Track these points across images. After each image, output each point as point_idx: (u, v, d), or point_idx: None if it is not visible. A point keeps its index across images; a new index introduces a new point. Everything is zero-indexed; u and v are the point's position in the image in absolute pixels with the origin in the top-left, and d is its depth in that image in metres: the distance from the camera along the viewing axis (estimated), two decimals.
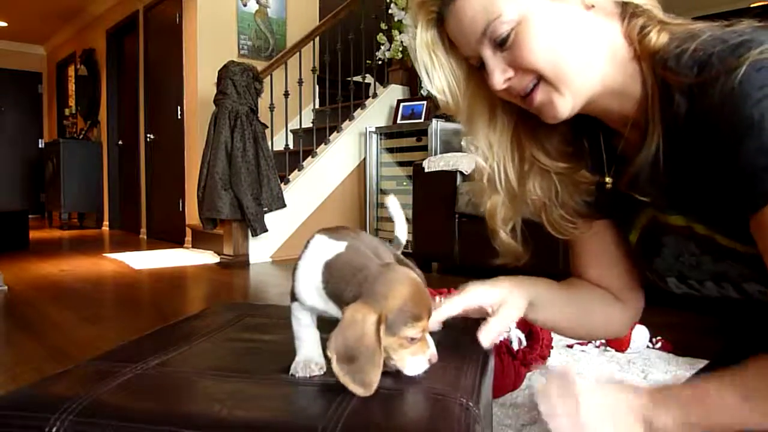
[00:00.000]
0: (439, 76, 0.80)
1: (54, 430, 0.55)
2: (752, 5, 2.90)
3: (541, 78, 0.73)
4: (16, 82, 8.78)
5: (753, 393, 0.60)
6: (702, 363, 1.15)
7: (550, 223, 0.88)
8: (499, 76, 0.74)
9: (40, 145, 8.73)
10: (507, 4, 0.71)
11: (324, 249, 0.67)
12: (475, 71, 0.80)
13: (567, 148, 0.86)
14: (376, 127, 4.43)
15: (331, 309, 0.66)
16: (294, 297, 0.70)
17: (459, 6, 0.75)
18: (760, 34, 0.62)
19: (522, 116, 0.83)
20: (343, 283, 0.64)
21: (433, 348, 0.66)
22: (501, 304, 0.82)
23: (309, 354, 0.69)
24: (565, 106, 0.74)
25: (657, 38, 0.72)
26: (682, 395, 0.64)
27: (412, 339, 0.63)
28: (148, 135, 5.89)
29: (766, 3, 2.85)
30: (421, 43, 0.79)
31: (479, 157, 0.85)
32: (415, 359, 0.64)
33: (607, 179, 0.84)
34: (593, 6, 0.73)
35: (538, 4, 0.72)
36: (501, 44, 0.73)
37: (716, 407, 0.61)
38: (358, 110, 4.66)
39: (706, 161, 0.64)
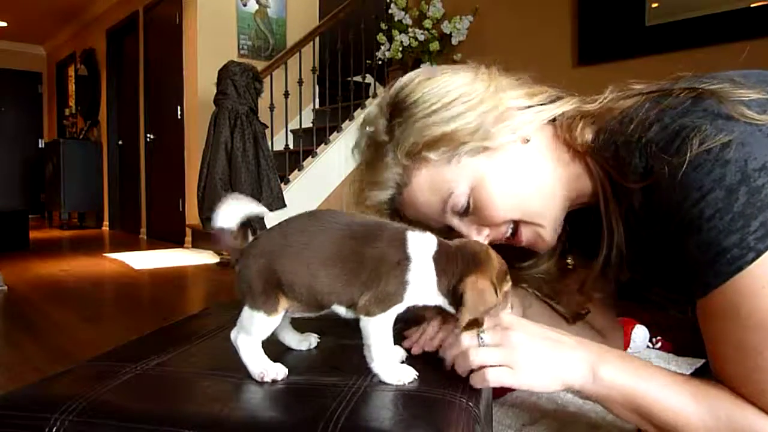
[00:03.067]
0: None
1: (54, 430, 0.55)
2: (752, 5, 2.90)
3: (517, 222, 0.76)
4: (16, 82, 8.77)
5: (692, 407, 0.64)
6: (701, 363, 1.15)
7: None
8: (479, 238, 0.76)
9: (40, 145, 8.73)
10: (454, 178, 0.74)
11: (426, 245, 0.65)
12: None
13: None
14: None
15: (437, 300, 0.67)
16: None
17: (409, 195, 0.77)
18: (692, 115, 0.63)
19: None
20: (450, 274, 0.65)
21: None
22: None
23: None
24: (550, 234, 0.77)
25: (583, 135, 0.74)
26: (631, 367, 0.67)
27: (506, 293, 0.68)
28: (148, 135, 5.89)
29: (766, 3, 2.85)
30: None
31: None
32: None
33: (570, 261, 0.89)
34: (529, 140, 0.76)
35: (482, 164, 0.74)
36: (463, 213, 0.75)
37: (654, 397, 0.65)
38: (358, 110, 4.66)
39: (660, 248, 0.68)
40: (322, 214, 0.69)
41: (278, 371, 0.65)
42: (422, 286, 0.64)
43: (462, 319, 0.63)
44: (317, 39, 4.71)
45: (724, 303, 0.62)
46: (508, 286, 0.68)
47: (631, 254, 0.76)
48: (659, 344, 1.80)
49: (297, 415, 0.56)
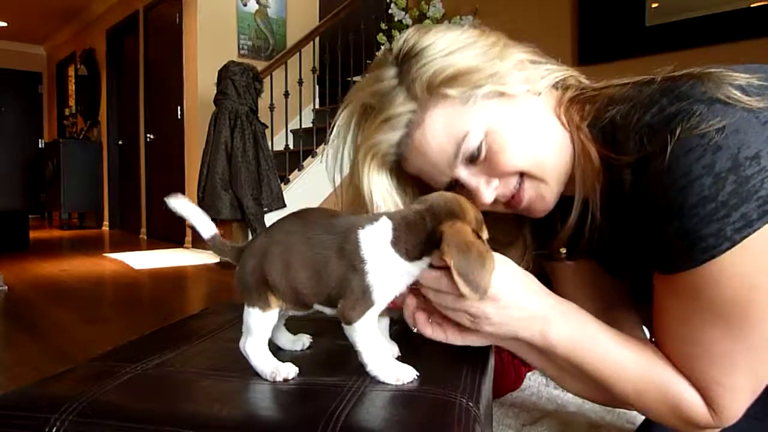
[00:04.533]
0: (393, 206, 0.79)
1: (54, 430, 0.55)
2: (752, 5, 2.90)
3: (524, 175, 0.74)
4: (16, 82, 8.78)
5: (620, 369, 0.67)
6: None
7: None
8: (487, 190, 0.74)
9: (40, 145, 8.73)
10: (470, 120, 0.72)
11: (379, 236, 0.64)
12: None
13: (508, 237, 0.89)
14: None
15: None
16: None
17: (420, 137, 0.74)
18: (690, 99, 0.63)
19: None
20: (422, 237, 0.63)
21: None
22: None
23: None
24: (552, 194, 0.76)
25: (583, 110, 0.75)
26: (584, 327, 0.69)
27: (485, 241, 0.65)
28: (148, 135, 5.89)
29: (766, 3, 2.85)
30: (377, 190, 0.78)
31: None
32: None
33: (562, 250, 0.87)
34: (539, 93, 0.75)
35: (498, 109, 0.73)
36: (474, 159, 0.73)
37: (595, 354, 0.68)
38: None
39: (641, 229, 0.68)
40: (307, 214, 0.69)
41: (289, 370, 0.66)
42: (389, 280, 0.64)
43: (447, 255, 0.59)
44: (317, 39, 4.72)
45: (686, 285, 0.63)
46: (485, 235, 0.65)
47: (609, 237, 0.77)
48: None
49: (297, 415, 0.56)
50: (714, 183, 0.58)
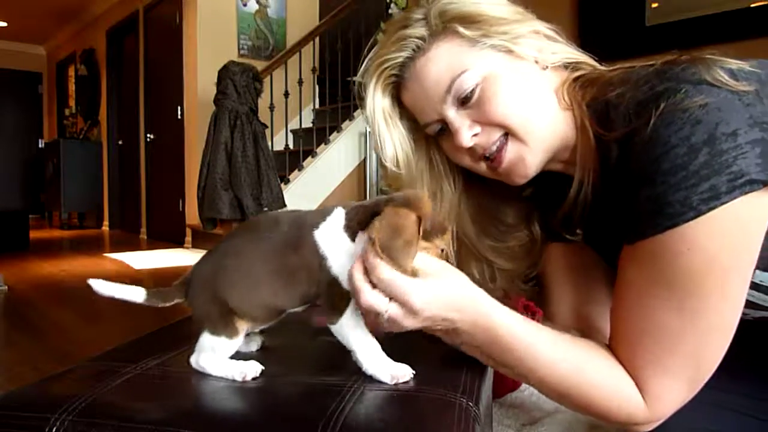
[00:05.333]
0: (392, 144, 0.81)
1: (54, 430, 0.55)
2: (752, 5, 2.90)
3: (508, 134, 0.75)
4: (16, 82, 8.78)
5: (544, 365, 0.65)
6: None
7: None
8: (467, 132, 0.75)
9: (40, 145, 8.73)
10: (472, 61, 0.74)
11: (332, 225, 0.64)
12: (428, 144, 0.82)
13: (516, 220, 0.90)
14: None
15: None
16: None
17: (422, 65, 0.77)
18: (679, 79, 0.64)
19: (469, 193, 0.87)
20: (365, 213, 0.62)
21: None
22: None
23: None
24: (534, 161, 0.76)
25: (585, 93, 0.76)
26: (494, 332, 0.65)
27: (442, 250, 0.64)
28: (148, 135, 5.89)
29: (766, 3, 2.85)
30: (378, 107, 0.81)
31: None
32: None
33: (578, 231, 0.87)
34: (547, 68, 0.77)
35: (500, 61, 0.75)
36: (465, 101, 0.75)
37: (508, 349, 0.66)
38: (358, 110, 4.66)
39: (622, 202, 0.68)
40: (256, 225, 0.68)
41: (255, 368, 0.65)
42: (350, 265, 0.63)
43: (374, 230, 0.58)
44: (317, 39, 4.72)
45: (645, 252, 0.63)
46: (443, 243, 0.64)
47: (594, 212, 0.77)
48: None
49: (297, 415, 0.56)
50: (687, 153, 0.59)
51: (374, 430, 0.53)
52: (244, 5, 5.08)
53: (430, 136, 0.82)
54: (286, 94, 4.33)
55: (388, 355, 0.65)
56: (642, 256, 0.64)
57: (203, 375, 0.67)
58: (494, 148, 0.76)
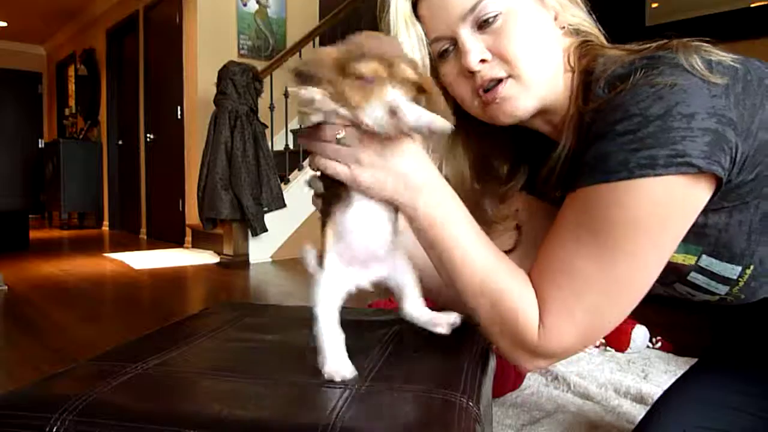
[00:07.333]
0: (411, 48, 0.79)
1: (54, 429, 0.55)
2: (752, 5, 2.90)
3: (511, 75, 0.75)
4: (16, 82, 8.78)
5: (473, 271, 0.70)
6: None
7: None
8: (476, 55, 0.75)
9: (40, 145, 8.73)
10: None
11: None
12: (436, 61, 0.81)
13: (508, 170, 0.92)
14: None
15: None
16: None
17: None
18: (659, 60, 0.66)
19: (468, 129, 0.87)
20: None
21: (400, 101, 0.61)
22: None
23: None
24: (526, 105, 0.77)
25: (581, 63, 0.77)
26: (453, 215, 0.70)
27: (363, 78, 0.61)
28: (148, 135, 5.89)
29: (766, 3, 2.85)
30: (400, 10, 0.79)
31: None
32: (370, 104, 0.61)
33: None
34: (563, 27, 0.78)
35: (526, 4, 0.75)
36: (483, 25, 0.74)
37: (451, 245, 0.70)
38: None
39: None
40: None
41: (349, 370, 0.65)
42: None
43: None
44: (317, 39, 4.72)
45: (580, 199, 0.67)
46: (365, 68, 0.61)
47: (565, 172, 0.79)
48: (659, 344, 1.80)
49: (297, 415, 0.56)
50: (641, 122, 0.62)
51: (374, 430, 0.53)
52: (244, 5, 5.08)
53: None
54: (286, 94, 4.33)
55: (388, 354, 0.65)
56: (577, 202, 0.68)
57: (203, 375, 0.67)
58: (494, 82, 0.76)
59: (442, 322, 0.71)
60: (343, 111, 0.63)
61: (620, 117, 0.64)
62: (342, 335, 0.65)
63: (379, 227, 0.69)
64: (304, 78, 0.61)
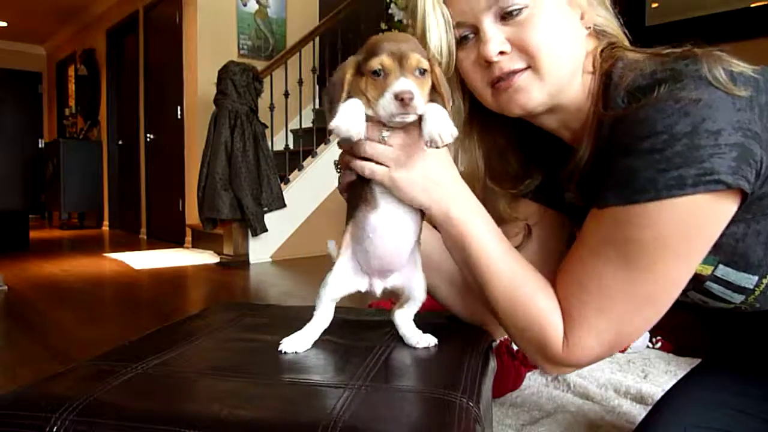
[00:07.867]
0: (437, 32, 0.79)
1: (54, 429, 0.55)
2: (752, 5, 2.90)
3: (530, 67, 0.74)
4: (16, 82, 8.77)
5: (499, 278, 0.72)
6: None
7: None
8: (496, 46, 0.74)
9: (40, 145, 8.73)
10: None
11: None
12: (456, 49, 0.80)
13: (521, 168, 0.91)
14: None
15: None
16: None
17: None
18: (682, 72, 0.65)
19: (479, 118, 0.87)
20: None
21: (401, 85, 0.64)
22: None
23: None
24: (539, 97, 0.76)
25: (602, 66, 0.77)
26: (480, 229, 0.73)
27: (375, 73, 0.66)
28: (148, 135, 5.89)
29: (766, 3, 2.85)
30: None
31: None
32: (383, 98, 0.65)
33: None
34: (589, 28, 0.78)
35: (553, 1, 0.74)
36: (507, 16, 0.74)
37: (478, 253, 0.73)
38: None
39: (601, 172, 0.71)
40: None
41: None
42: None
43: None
44: (317, 39, 4.71)
45: (607, 217, 0.68)
46: (375, 63, 0.66)
47: (585, 178, 0.78)
48: (659, 344, 1.80)
49: (297, 415, 0.56)
50: (669, 140, 0.62)
51: (374, 431, 0.53)
52: (244, 5, 5.08)
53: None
54: (286, 94, 4.33)
55: (388, 354, 0.66)
56: (604, 220, 0.68)
57: (203, 375, 0.67)
58: (511, 72, 0.75)
59: (421, 342, 0.75)
60: (369, 112, 0.67)
61: (647, 133, 0.63)
62: (325, 325, 0.75)
63: (402, 233, 0.71)
64: (331, 86, 0.68)
